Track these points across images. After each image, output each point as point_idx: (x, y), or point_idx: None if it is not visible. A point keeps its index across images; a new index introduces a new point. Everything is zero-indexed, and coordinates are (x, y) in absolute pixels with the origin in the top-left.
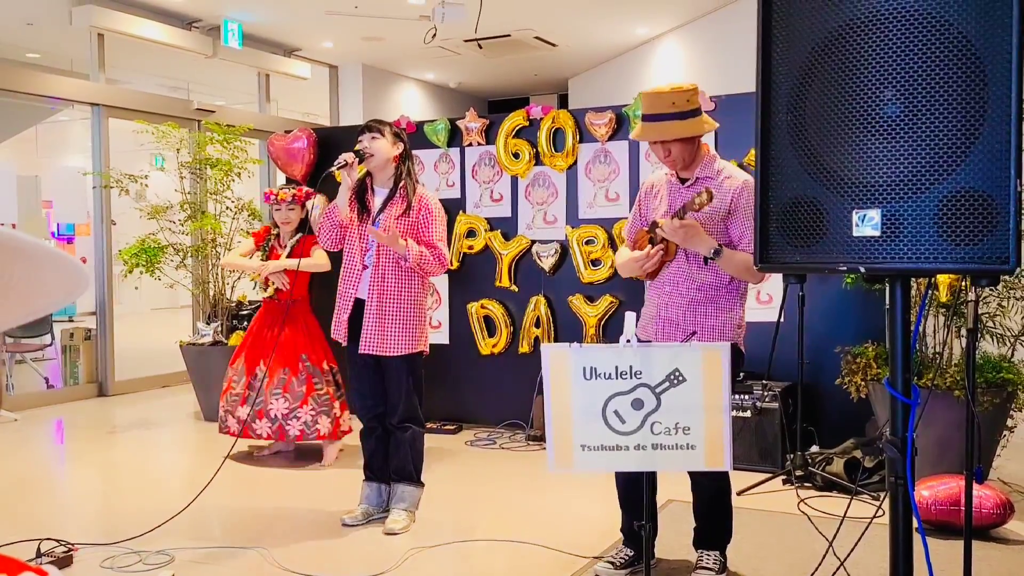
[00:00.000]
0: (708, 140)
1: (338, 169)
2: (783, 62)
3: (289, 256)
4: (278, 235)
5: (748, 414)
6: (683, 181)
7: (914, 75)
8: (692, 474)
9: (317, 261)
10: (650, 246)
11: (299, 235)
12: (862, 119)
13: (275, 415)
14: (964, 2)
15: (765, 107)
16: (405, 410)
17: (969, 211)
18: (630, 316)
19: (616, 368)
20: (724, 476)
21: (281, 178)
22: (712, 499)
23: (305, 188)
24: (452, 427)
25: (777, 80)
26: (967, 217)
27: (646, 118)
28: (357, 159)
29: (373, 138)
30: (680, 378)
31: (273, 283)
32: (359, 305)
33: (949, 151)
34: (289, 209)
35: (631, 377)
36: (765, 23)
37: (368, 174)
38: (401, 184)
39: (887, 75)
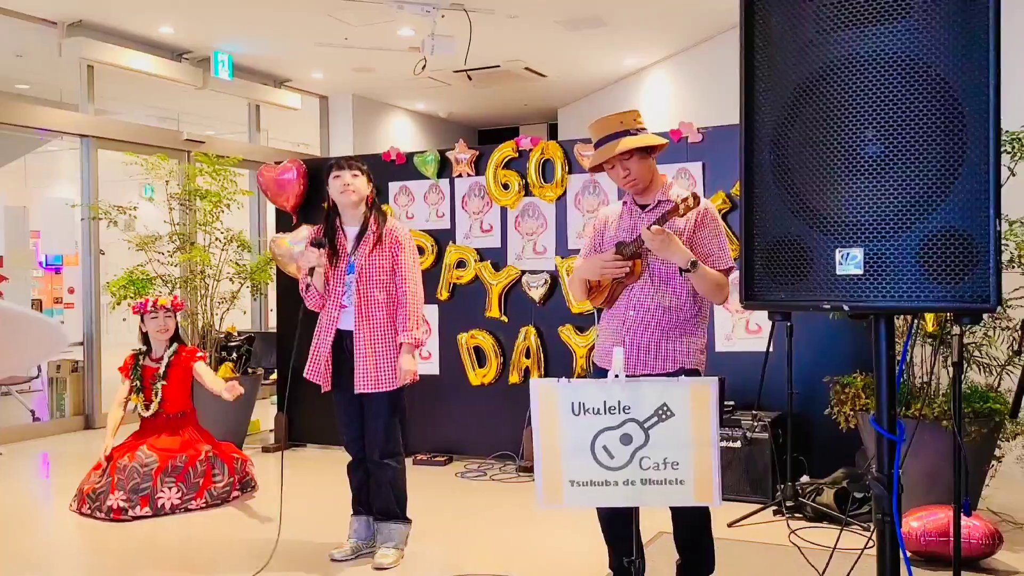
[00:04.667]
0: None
1: (310, 271)
2: (766, 102)
3: (167, 369)
4: (147, 351)
5: (738, 444)
6: (642, 208)
7: (895, 116)
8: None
9: (214, 387)
10: (617, 254)
11: (175, 345)
12: (844, 159)
13: (163, 505)
14: (942, 45)
15: (749, 146)
16: (386, 445)
17: (950, 250)
18: (618, 351)
19: (604, 403)
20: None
21: (271, 209)
22: (694, 526)
23: (180, 297)
24: (442, 458)
25: (760, 120)
26: (948, 256)
27: (598, 144)
28: (319, 248)
29: (354, 175)
30: (668, 413)
31: (156, 398)
32: (337, 342)
33: (930, 191)
34: (167, 316)
35: (619, 412)
36: (748, 64)
37: (336, 214)
38: (371, 218)
39: (868, 115)
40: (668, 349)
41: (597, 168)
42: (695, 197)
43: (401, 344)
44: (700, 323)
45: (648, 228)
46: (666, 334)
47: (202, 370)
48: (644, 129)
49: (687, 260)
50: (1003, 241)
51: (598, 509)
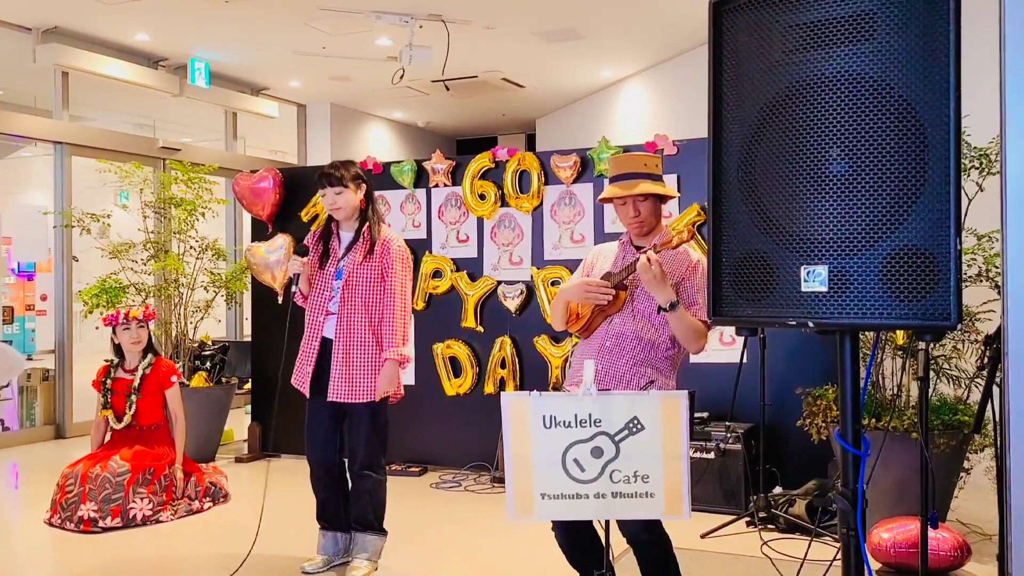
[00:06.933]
0: (671, 183)
1: (295, 279)
2: (734, 121)
3: (141, 381)
4: (120, 363)
5: (712, 456)
6: (638, 249)
7: (859, 136)
8: (630, 538)
9: (182, 431)
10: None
11: (150, 356)
12: (810, 177)
13: (135, 515)
14: (906, 68)
15: (717, 164)
16: (365, 457)
17: (912, 268)
18: (589, 364)
19: (576, 416)
20: (663, 538)
21: (247, 217)
22: (655, 562)
23: (152, 305)
24: (417, 469)
25: (728, 138)
26: (910, 274)
27: (616, 179)
28: (302, 256)
29: (338, 193)
30: (639, 426)
31: (130, 410)
32: (322, 349)
33: (892, 210)
34: (139, 327)
35: (590, 425)
36: (716, 83)
37: (335, 219)
38: (365, 227)
39: (834, 135)
40: (639, 383)
41: (606, 200)
42: (690, 230)
43: (386, 360)
44: (674, 365)
45: (645, 255)
46: (639, 367)
47: (171, 397)
48: (661, 177)
49: (668, 300)
50: (972, 255)
51: (555, 535)
